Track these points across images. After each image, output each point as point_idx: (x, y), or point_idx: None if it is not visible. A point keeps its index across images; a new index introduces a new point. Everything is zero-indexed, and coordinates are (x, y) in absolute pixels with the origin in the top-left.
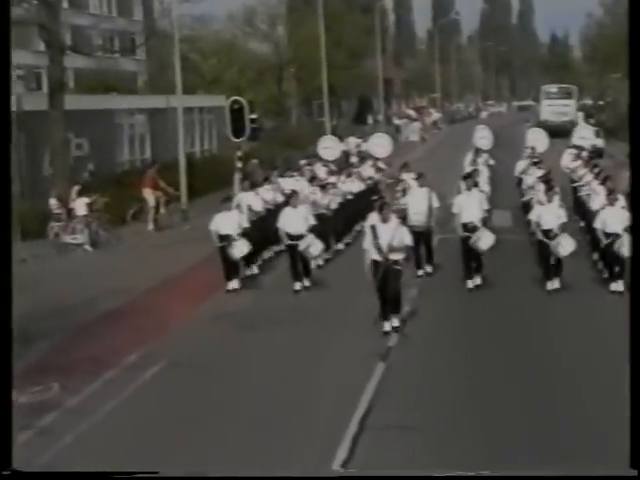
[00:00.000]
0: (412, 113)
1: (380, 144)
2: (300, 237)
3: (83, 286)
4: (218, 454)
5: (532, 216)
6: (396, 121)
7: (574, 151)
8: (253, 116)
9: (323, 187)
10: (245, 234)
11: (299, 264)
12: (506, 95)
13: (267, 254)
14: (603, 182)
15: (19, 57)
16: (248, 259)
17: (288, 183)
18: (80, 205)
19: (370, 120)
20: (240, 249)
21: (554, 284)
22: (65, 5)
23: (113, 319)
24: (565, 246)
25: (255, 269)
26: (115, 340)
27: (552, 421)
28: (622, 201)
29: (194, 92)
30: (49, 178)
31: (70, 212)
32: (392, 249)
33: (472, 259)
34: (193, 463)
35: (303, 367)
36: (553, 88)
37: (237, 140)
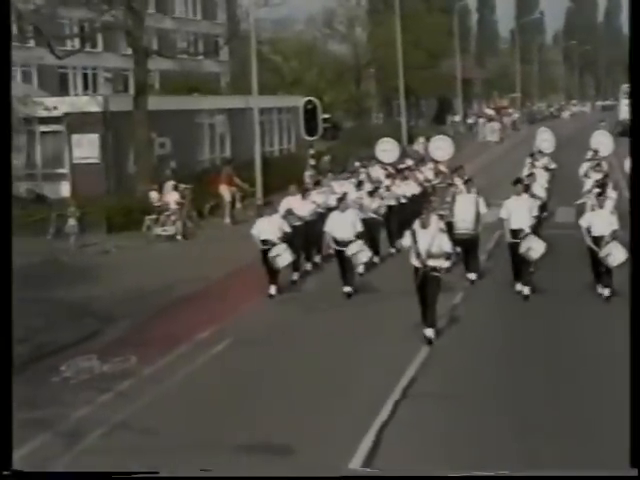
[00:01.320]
0: (491, 113)
1: (440, 147)
2: (347, 242)
3: (162, 274)
4: (278, 411)
5: (582, 222)
6: (470, 121)
7: None
8: (326, 116)
9: (373, 191)
10: (287, 239)
11: (347, 269)
12: (591, 94)
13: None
14: None
15: (107, 60)
16: (295, 264)
17: (343, 186)
18: (172, 199)
19: (448, 120)
20: (285, 258)
21: (604, 292)
22: (152, 10)
23: (188, 303)
24: (616, 256)
25: (296, 275)
26: (188, 320)
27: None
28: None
29: (275, 93)
30: (134, 175)
31: (162, 206)
32: (430, 255)
33: (521, 265)
34: (252, 425)
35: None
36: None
37: (310, 138)
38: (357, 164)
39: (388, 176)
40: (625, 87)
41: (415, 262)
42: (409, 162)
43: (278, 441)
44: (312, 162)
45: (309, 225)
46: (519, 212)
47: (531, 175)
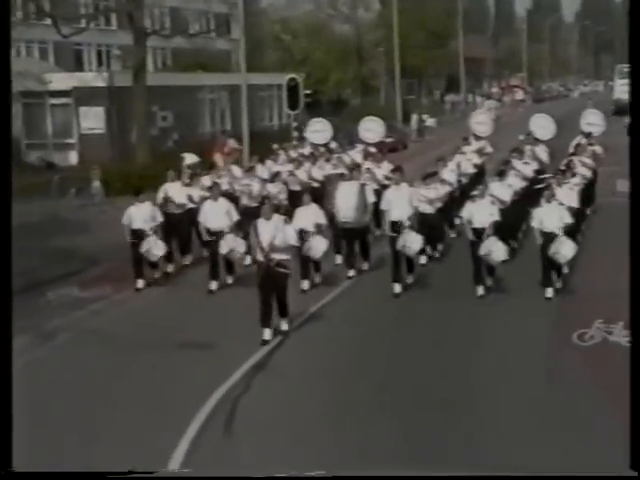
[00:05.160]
0: (496, 91)
1: (370, 128)
2: (220, 233)
3: None
4: (208, 322)
5: (464, 213)
6: (472, 99)
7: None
8: (307, 92)
9: (273, 176)
10: (159, 229)
11: (219, 262)
12: (608, 74)
13: None
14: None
15: (120, 38)
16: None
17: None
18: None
19: (447, 99)
20: (155, 253)
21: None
22: None
23: None
24: (497, 253)
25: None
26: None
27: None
28: (569, 198)
29: (284, 70)
30: (135, 145)
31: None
32: (274, 248)
33: (399, 259)
34: (187, 330)
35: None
36: (627, 67)
37: (293, 112)
38: (275, 146)
39: (292, 160)
40: (620, 67)
41: (258, 256)
42: (332, 144)
43: (204, 340)
44: (295, 134)
45: (193, 213)
46: (398, 203)
47: (441, 160)
